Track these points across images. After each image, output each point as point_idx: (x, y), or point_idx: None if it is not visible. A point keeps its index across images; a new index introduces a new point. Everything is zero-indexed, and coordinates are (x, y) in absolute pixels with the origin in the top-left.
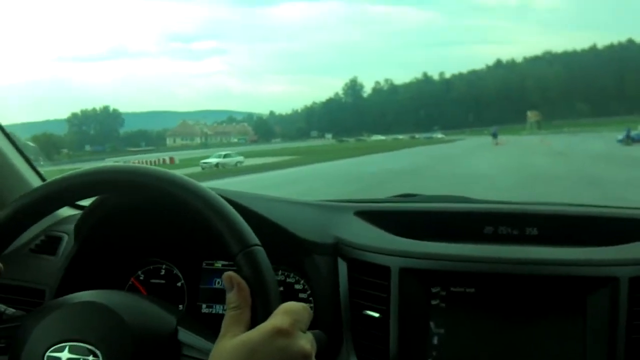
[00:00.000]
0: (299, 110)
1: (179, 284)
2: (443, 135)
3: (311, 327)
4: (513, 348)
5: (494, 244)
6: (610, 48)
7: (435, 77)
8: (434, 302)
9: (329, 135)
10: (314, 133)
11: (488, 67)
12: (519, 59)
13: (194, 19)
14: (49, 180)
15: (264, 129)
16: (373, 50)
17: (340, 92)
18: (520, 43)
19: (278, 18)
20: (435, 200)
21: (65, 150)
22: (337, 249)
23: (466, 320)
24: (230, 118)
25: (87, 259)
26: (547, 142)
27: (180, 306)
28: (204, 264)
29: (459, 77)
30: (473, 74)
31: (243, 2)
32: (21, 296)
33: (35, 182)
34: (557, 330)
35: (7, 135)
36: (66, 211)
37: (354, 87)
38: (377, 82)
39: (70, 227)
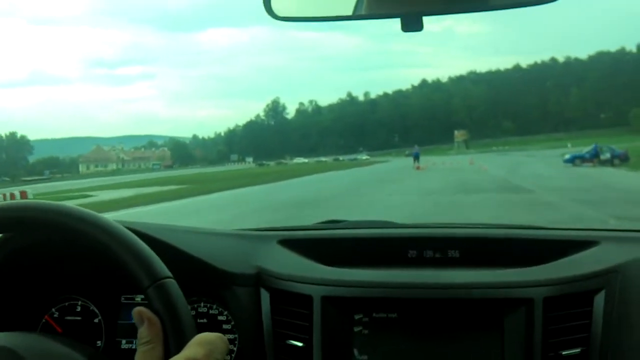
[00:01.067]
0: (222, 134)
1: (96, 320)
2: (368, 157)
3: (236, 359)
4: None
5: (417, 268)
6: (534, 67)
7: (360, 97)
8: (356, 329)
9: (249, 159)
10: (233, 157)
11: (414, 87)
12: (444, 78)
13: (119, 45)
14: None
15: (182, 153)
16: (300, 74)
17: (262, 113)
18: (445, 66)
19: (205, 43)
20: (360, 226)
21: None
22: (259, 279)
23: (389, 345)
24: (150, 143)
25: (5, 295)
26: (482, 166)
27: (99, 342)
28: (122, 298)
29: (385, 97)
30: (399, 93)
31: (169, 27)
32: None
33: None
34: (477, 351)
35: None
36: None
37: (275, 108)
38: (301, 104)
39: None
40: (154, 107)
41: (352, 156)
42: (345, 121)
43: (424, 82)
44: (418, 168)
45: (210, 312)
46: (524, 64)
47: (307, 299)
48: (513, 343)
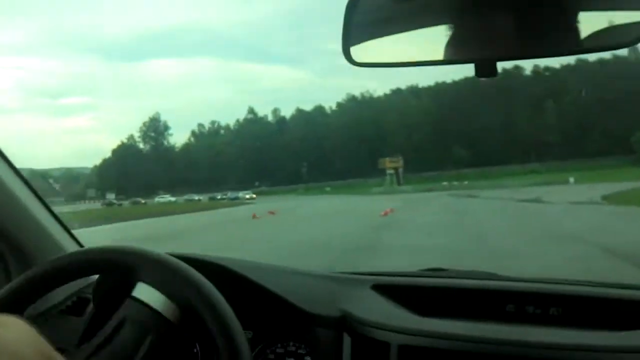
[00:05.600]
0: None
1: (194, 351)
2: (252, 195)
3: None
4: None
5: (511, 324)
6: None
7: (270, 116)
8: None
9: (111, 195)
10: (90, 192)
11: (338, 104)
12: (377, 92)
13: (61, 75)
14: (79, 250)
15: (37, 186)
16: (242, 108)
17: (137, 134)
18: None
19: (147, 75)
20: (462, 276)
21: None
22: (343, 323)
23: None
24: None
25: (104, 321)
26: None
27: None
28: None
29: (299, 116)
30: (318, 111)
31: (112, 58)
32: None
33: (71, 247)
34: None
35: (41, 199)
36: None
37: (156, 128)
38: (201, 125)
39: None
40: (98, 139)
41: (234, 194)
42: (242, 146)
43: (351, 98)
44: None
45: (299, 351)
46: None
47: (385, 346)
48: None
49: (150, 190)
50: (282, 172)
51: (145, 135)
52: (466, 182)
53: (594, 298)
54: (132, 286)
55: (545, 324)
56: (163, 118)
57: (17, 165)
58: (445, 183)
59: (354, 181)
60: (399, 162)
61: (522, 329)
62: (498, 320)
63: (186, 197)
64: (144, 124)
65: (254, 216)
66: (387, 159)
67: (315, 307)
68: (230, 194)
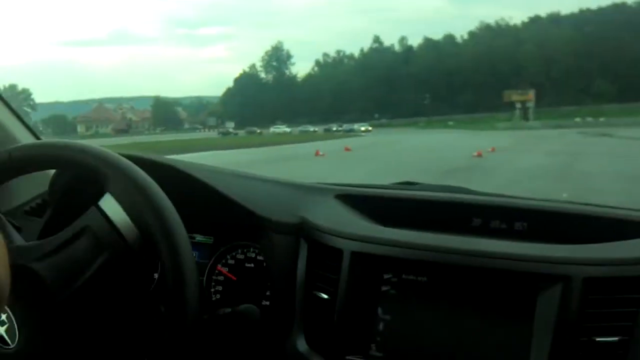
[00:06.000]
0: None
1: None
2: (367, 127)
3: (268, 307)
4: (456, 340)
5: (478, 236)
6: None
7: (396, 45)
8: (384, 288)
9: (231, 124)
10: (211, 121)
11: (470, 33)
12: (514, 20)
13: (198, 5)
14: (15, 146)
15: (164, 113)
16: (369, 37)
17: (259, 64)
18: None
19: (283, 4)
20: (431, 189)
21: None
22: (300, 229)
23: (414, 308)
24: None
25: (60, 222)
26: None
27: (156, 275)
28: None
29: (427, 45)
30: (448, 40)
31: None
32: None
33: (26, 139)
34: (504, 326)
35: None
36: None
37: (278, 56)
38: (326, 55)
39: None
40: (231, 68)
41: (349, 126)
42: (366, 76)
43: (486, 27)
44: None
45: (258, 257)
46: (630, 0)
47: (338, 253)
48: (544, 321)
49: (270, 120)
50: (404, 105)
51: (267, 65)
52: (602, 119)
53: (559, 213)
54: (99, 194)
55: (510, 237)
56: (288, 47)
57: (146, 93)
58: (577, 119)
59: (481, 115)
60: (527, 96)
61: (485, 241)
62: (462, 233)
63: (301, 128)
64: (266, 52)
65: (317, 154)
66: (514, 91)
67: (271, 213)
68: (345, 126)
